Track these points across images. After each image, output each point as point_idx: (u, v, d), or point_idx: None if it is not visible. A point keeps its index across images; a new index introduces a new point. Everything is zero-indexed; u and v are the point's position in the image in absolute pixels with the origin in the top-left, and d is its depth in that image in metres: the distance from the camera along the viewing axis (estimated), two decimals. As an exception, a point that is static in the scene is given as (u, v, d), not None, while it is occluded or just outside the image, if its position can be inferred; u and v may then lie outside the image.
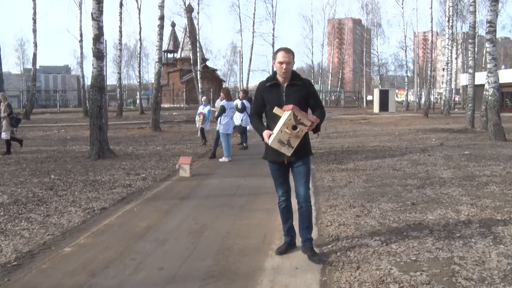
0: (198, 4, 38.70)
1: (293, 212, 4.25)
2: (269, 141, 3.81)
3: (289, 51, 3.98)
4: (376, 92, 40.29)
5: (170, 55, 62.53)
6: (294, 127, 3.76)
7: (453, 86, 44.31)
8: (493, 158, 9.83)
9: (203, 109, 13.82)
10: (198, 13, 39.31)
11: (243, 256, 4.18)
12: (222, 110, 10.66)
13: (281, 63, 3.93)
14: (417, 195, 6.42)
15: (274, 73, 4.10)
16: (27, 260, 4.17)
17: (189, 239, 4.74)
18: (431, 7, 33.24)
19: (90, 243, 4.68)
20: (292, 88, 3.97)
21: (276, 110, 3.81)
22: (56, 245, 4.59)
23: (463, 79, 41.53)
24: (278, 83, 4.01)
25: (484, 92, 15.21)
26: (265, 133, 3.91)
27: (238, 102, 12.72)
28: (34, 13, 28.47)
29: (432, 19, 33.85)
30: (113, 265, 4.02)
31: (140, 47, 40.97)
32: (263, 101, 4.06)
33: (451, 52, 34.28)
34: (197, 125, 14.09)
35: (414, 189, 6.82)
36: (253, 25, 46.12)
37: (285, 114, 3.77)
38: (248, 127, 12.93)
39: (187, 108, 46.66)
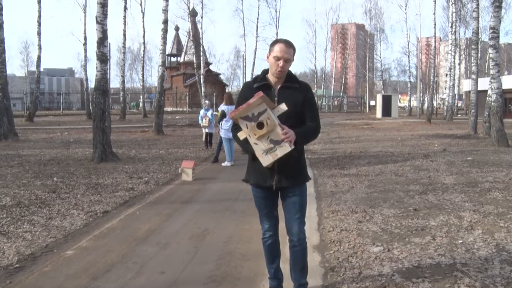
0: (202, 8, 38.84)
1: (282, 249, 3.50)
2: (263, 163, 2.97)
3: (289, 45, 3.12)
4: (379, 98, 40.28)
5: (173, 59, 62.66)
6: (260, 126, 2.92)
7: (456, 92, 44.31)
8: (496, 164, 9.81)
9: (205, 113, 13.82)
10: (201, 17, 39.49)
11: (245, 261, 4.18)
12: (223, 115, 10.68)
13: (277, 58, 3.08)
14: (420, 201, 6.41)
15: (265, 71, 3.26)
16: (29, 263, 4.18)
17: (191, 243, 4.74)
18: (434, 13, 33.31)
19: (92, 246, 4.69)
20: (287, 92, 3.14)
21: (239, 135, 3.03)
22: (58, 248, 4.60)
23: (466, 85, 41.53)
24: (269, 84, 3.17)
25: (487, 98, 15.17)
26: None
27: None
28: (39, 16, 28.57)
29: (435, 24, 33.94)
30: (115, 268, 4.03)
31: (144, 51, 41.09)
32: None
33: (454, 58, 34.28)
34: (203, 130, 14.03)
35: (416, 195, 6.81)
36: (257, 30, 46.29)
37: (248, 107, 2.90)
38: None
39: (190, 111, 46.76)
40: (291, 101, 3.07)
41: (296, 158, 3.11)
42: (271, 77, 3.19)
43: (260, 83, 3.16)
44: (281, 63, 3.08)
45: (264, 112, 2.88)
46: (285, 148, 2.88)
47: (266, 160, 2.91)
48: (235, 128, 3.17)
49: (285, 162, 3.01)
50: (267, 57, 3.17)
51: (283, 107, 2.94)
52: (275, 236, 3.36)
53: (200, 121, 13.90)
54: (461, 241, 4.52)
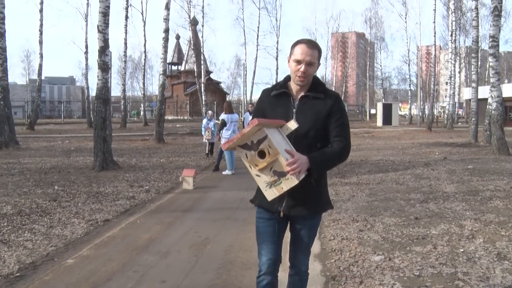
0: (203, 17, 38.97)
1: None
2: (267, 197, 2.48)
3: (313, 46, 2.61)
4: (380, 106, 40.35)
5: (174, 67, 62.84)
6: (261, 155, 2.42)
7: (456, 100, 44.36)
8: (496, 172, 9.80)
9: (207, 124, 13.86)
10: (202, 26, 39.60)
11: (245, 270, 4.17)
12: (223, 124, 10.73)
13: (298, 62, 2.57)
14: (421, 209, 6.41)
15: (286, 78, 2.77)
16: (29, 272, 4.17)
17: (191, 252, 4.74)
18: (434, 22, 33.50)
19: (93, 255, 4.68)
20: (309, 103, 2.61)
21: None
22: (59, 257, 4.60)
23: (467, 93, 41.63)
24: (288, 92, 2.67)
25: (488, 106, 15.21)
26: None
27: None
28: (41, 25, 28.72)
29: (435, 33, 34.10)
30: (116, 277, 4.02)
31: (145, 59, 41.24)
32: (263, 114, 2.66)
33: (454, 66, 34.39)
34: (204, 140, 14.13)
35: (417, 203, 6.81)
36: (257, 38, 46.44)
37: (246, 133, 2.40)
38: None
39: (190, 120, 46.78)
40: (312, 114, 2.58)
41: (313, 182, 2.55)
42: (292, 84, 2.69)
43: (278, 91, 2.68)
44: (302, 67, 2.58)
45: (264, 140, 2.38)
46: (291, 181, 2.36)
47: (270, 194, 2.44)
48: None
49: (300, 186, 2.43)
50: (288, 61, 2.68)
51: (292, 125, 2.47)
52: (271, 276, 2.67)
53: (203, 133, 13.98)
54: (462, 250, 4.52)
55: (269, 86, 2.92)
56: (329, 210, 2.92)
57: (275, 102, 2.68)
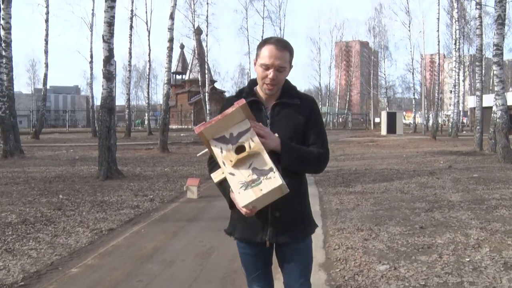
0: (207, 26, 39.19)
1: None
2: (237, 201, 2.07)
3: (283, 47, 2.20)
4: (384, 114, 40.32)
5: (178, 77, 63.15)
6: (239, 150, 2.03)
7: (460, 108, 44.24)
8: (502, 181, 9.76)
9: None
10: (206, 35, 39.79)
11: (250, 279, 4.15)
12: None
13: (266, 66, 2.18)
14: (426, 218, 6.37)
15: (251, 83, 2.37)
16: (34, 281, 4.17)
17: (196, 262, 4.73)
18: (437, 30, 33.47)
19: (97, 264, 4.68)
20: (284, 111, 2.26)
21: (213, 176, 2.17)
22: (63, 266, 4.60)
23: (471, 101, 41.57)
24: (257, 100, 2.28)
25: (492, 114, 15.17)
26: (232, 194, 2.16)
27: None
28: (46, 35, 28.96)
29: (439, 42, 34.06)
30: (120, 286, 4.02)
31: (149, 69, 41.44)
32: None
33: (459, 75, 34.34)
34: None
35: (422, 212, 6.78)
36: (261, 48, 46.51)
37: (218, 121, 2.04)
38: None
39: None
40: (289, 125, 2.23)
41: (297, 202, 2.25)
42: (261, 91, 2.30)
43: (246, 100, 2.16)
44: (271, 73, 2.17)
45: (246, 132, 2.02)
46: (274, 181, 1.95)
47: (244, 198, 1.98)
48: (211, 164, 2.31)
49: (282, 207, 2.17)
50: (254, 64, 2.27)
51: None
52: None
53: None
54: (468, 259, 4.49)
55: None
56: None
57: None
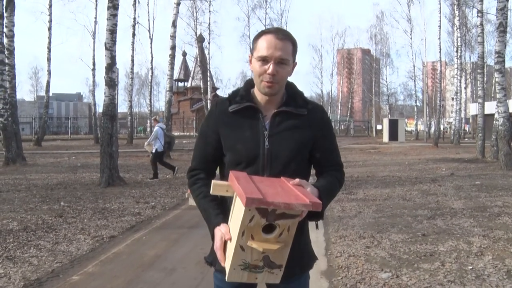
0: (209, 34, 39.38)
1: None
2: (226, 271, 1.66)
3: (285, 36, 1.78)
4: (386, 122, 40.30)
5: (180, 84, 63.30)
6: (269, 228, 1.59)
7: (462, 116, 44.25)
8: (504, 188, 9.72)
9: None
10: (209, 43, 40.00)
11: (251, 287, 4.13)
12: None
13: (264, 59, 1.76)
14: (428, 226, 6.35)
15: (248, 84, 1.92)
16: (35, 288, 4.16)
17: (197, 269, 4.71)
18: (439, 38, 33.51)
19: (98, 271, 4.66)
20: (287, 122, 1.81)
21: (215, 185, 1.72)
22: (64, 273, 4.58)
23: (473, 109, 41.53)
24: (253, 106, 1.83)
25: (494, 121, 15.15)
26: (219, 233, 1.71)
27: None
28: (49, 42, 29.13)
29: (440, 49, 34.10)
30: (121, 294, 4.00)
31: (152, 76, 41.50)
32: (216, 143, 1.89)
33: (460, 82, 34.38)
34: None
35: (424, 219, 6.75)
36: (263, 55, 46.60)
37: (238, 211, 1.61)
38: None
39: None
40: (293, 140, 1.79)
41: (297, 234, 1.65)
42: (258, 94, 1.85)
43: (240, 105, 1.82)
44: (270, 67, 1.73)
45: (291, 218, 1.58)
46: (274, 278, 1.68)
47: (235, 276, 1.65)
48: (195, 179, 1.94)
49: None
50: (250, 61, 1.86)
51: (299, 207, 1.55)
52: None
53: None
54: (471, 267, 4.46)
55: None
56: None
57: (234, 121, 1.82)
